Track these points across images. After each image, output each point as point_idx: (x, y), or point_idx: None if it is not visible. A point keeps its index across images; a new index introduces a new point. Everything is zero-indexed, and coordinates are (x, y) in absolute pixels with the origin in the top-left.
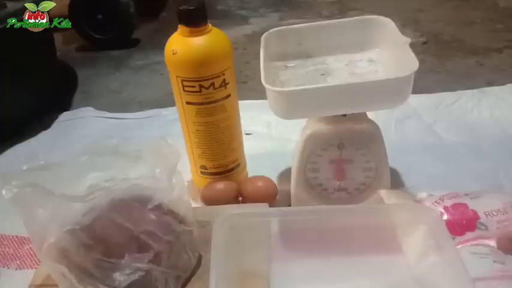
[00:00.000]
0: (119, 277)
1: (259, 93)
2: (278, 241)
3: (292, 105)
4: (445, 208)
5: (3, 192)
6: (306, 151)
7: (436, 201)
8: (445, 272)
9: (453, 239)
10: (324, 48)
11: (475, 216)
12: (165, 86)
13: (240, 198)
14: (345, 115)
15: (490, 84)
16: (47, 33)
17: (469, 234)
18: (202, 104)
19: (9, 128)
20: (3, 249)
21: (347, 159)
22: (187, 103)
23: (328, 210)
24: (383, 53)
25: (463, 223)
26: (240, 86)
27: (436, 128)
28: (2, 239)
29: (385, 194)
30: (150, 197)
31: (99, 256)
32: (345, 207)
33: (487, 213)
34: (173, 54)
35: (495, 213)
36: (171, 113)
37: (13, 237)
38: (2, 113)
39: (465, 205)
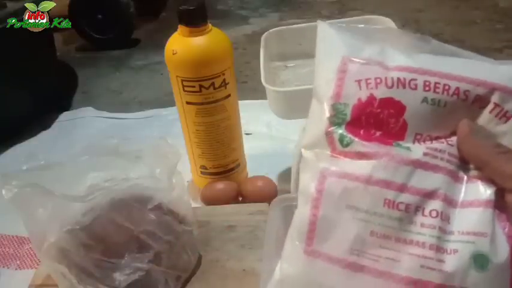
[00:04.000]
0: (119, 277)
1: (259, 93)
2: None
3: (292, 105)
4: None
5: (3, 192)
6: None
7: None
8: None
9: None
10: None
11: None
12: (165, 86)
13: (240, 198)
14: None
15: None
16: (47, 33)
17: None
18: (202, 104)
19: (9, 128)
20: (3, 249)
21: None
22: (187, 103)
23: None
24: None
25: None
26: (240, 86)
27: None
28: (2, 239)
29: None
30: (150, 197)
31: (99, 256)
32: None
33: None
34: (173, 54)
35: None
36: (171, 113)
37: (13, 237)
38: (2, 113)
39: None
